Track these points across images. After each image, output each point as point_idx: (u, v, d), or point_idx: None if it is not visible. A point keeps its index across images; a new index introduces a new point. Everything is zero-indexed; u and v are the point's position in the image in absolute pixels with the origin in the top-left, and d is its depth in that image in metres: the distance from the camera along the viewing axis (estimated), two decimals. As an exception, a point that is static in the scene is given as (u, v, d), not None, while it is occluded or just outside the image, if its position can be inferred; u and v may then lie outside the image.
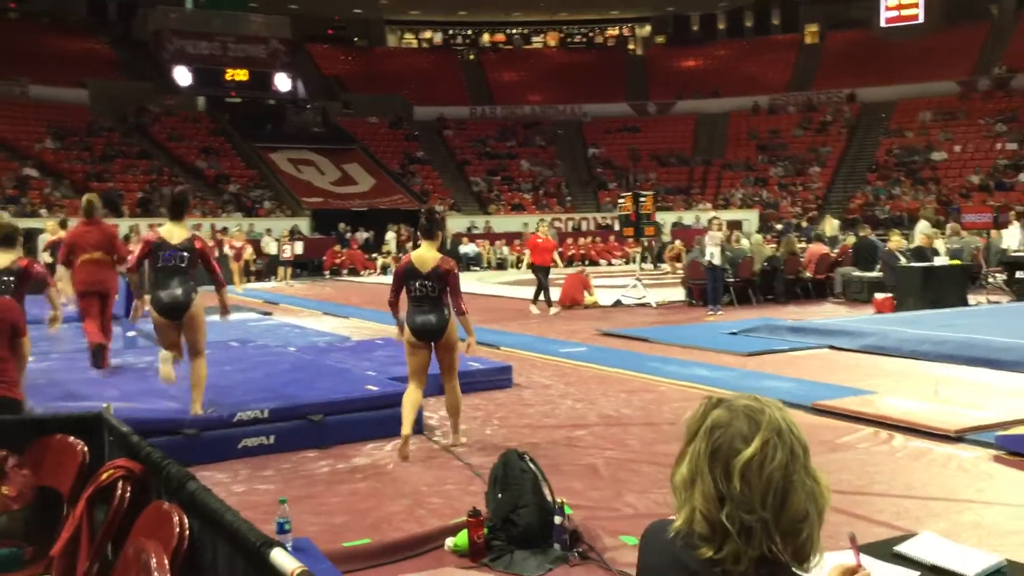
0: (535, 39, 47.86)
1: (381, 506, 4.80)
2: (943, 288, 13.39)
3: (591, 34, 47.90)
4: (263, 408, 5.86)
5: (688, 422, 1.60)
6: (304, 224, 30.43)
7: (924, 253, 14.71)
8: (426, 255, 5.97)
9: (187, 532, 2.21)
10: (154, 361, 8.17)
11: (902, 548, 2.31)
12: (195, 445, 5.50)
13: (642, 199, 15.39)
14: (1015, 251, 16.81)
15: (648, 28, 46.69)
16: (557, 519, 4.17)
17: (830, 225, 20.93)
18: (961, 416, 6.12)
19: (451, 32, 47.47)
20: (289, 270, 24.92)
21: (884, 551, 2.30)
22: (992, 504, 4.56)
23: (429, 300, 5.96)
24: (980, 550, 2.42)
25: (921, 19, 39.24)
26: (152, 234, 6.38)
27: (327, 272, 26.82)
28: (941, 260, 14.41)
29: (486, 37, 47.48)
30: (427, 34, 47.53)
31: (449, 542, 4.25)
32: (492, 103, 41.92)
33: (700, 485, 1.52)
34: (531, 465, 4.43)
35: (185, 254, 6.12)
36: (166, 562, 1.99)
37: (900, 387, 7.60)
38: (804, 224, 29.53)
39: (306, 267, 27.04)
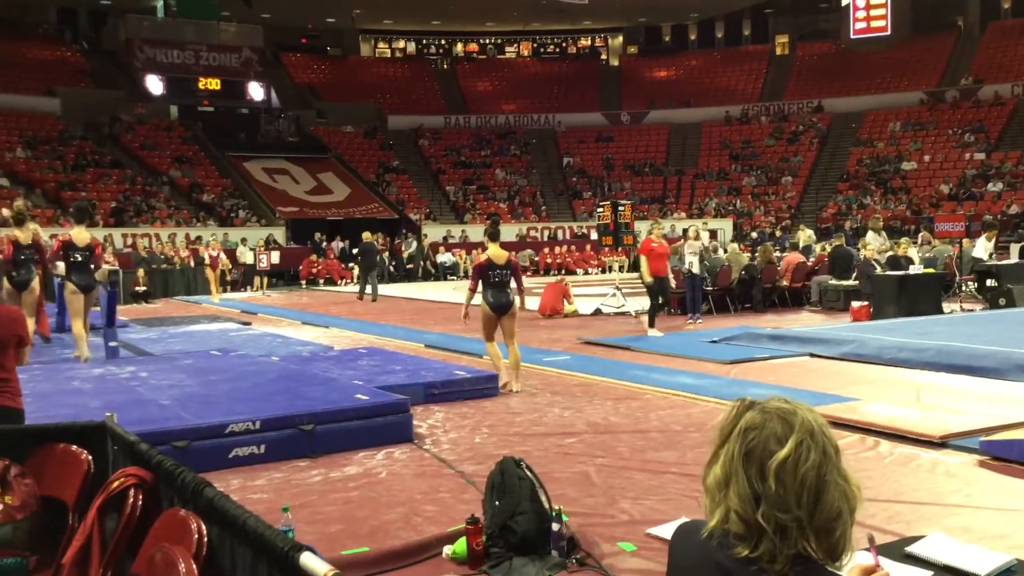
0: (508, 49, 48.03)
1: (376, 514, 4.80)
2: (918, 296, 13.59)
3: (564, 44, 48.15)
4: (254, 419, 5.83)
5: (720, 424, 1.63)
6: (279, 233, 30.28)
7: (899, 262, 14.91)
8: (499, 252, 8.41)
9: (206, 539, 2.20)
10: (138, 371, 8.12)
11: (914, 549, 2.36)
12: (185, 455, 5.45)
13: (620, 208, 15.49)
14: (986, 260, 17.10)
15: (620, 38, 47.03)
16: (555, 526, 4.19)
17: (804, 235, 21.17)
18: (945, 422, 6.22)
19: (424, 41, 47.52)
20: (265, 279, 24.78)
21: (896, 552, 2.34)
22: (980, 508, 4.64)
23: (503, 284, 8.32)
24: (990, 551, 2.48)
25: (889, 31, 39.84)
26: (65, 236, 9.31)
27: (303, 282, 26.69)
28: (916, 269, 14.62)
29: (459, 46, 47.59)
30: (401, 43, 47.54)
31: (447, 550, 4.25)
32: (466, 112, 42.00)
33: (735, 486, 1.55)
34: (528, 472, 4.45)
35: (88, 253, 9.14)
36: (195, 568, 1.99)
37: (882, 394, 7.70)
38: (778, 233, 29.81)
39: (282, 276, 26.90)
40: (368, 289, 20.08)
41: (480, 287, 8.35)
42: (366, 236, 21.05)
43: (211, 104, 37.10)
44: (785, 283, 16.12)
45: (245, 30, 37.58)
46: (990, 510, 4.60)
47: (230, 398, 6.63)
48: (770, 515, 1.50)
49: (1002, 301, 14.44)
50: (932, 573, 2.27)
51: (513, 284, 8.29)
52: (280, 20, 39.54)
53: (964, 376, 8.29)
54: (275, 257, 26.02)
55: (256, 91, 37.17)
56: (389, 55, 47.29)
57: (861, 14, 40.67)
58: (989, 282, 15.37)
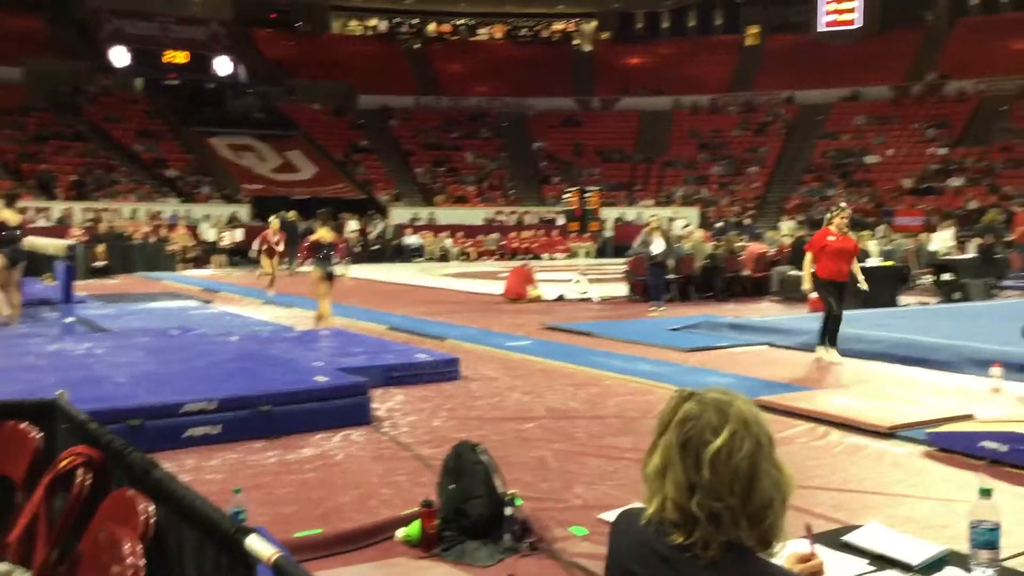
0: (481, 31, 47.82)
1: (331, 497, 4.81)
2: (875, 288, 13.79)
3: (537, 28, 48.03)
4: (211, 399, 5.80)
5: (660, 414, 1.67)
6: (243, 211, 29.99)
7: (859, 254, 15.11)
8: (326, 234, 11.14)
9: (153, 519, 2.21)
10: (94, 347, 8.04)
11: (850, 538, 2.42)
12: (138, 435, 5.42)
13: (588, 194, 15.53)
14: (943, 254, 17.41)
15: (594, 24, 47.00)
16: (508, 510, 4.23)
17: (786, 226, 21.18)
18: (894, 413, 6.34)
19: (396, 20, 47.14)
20: (226, 257, 24.58)
21: (833, 540, 2.41)
22: (924, 499, 4.75)
23: (328, 258, 11.00)
24: (923, 540, 2.55)
25: (858, 24, 40.22)
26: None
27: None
28: (874, 261, 14.84)
29: (432, 27, 47.28)
30: (372, 22, 47.13)
31: (401, 533, 4.28)
32: (437, 94, 41.80)
33: (672, 474, 1.59)
34: (483, 457, 4.48)
35: (18, 232, 10.39)
36: (139, 548, 1.99)
37: (835, 384, 7.84)
38: (747, 222, 30.11)
39: (245, 255, 26.66)
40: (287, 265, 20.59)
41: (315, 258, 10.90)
42: (291, 215, 22.52)
43: (177, 77, 36.57)
44: (747, 272, 16.29)
45: (214, 3, 37.08)
46: (933, 500, 4.71)
47: (186, 377, 6.58)
48: (704, 503, 1.54)
49: (957, 295, 14.73)
50: (867, 562, 2.33)
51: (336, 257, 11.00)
52: (249, -6, 39.05)
53: (917, 368, 8.46)
54: (238, 235, 25.80)
55: (223, 65, 36.68)
56: (360, 33, 46.87)
57: (831, 7, 41.04)
58: (945, 276, 15.65)
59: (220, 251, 24.89)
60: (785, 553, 1.76)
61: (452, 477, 4.43)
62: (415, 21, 47.10)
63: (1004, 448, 5.14)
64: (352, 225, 29.67)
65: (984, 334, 9.38)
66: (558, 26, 48.06)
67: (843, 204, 9.77)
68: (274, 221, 16.49)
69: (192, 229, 26.54)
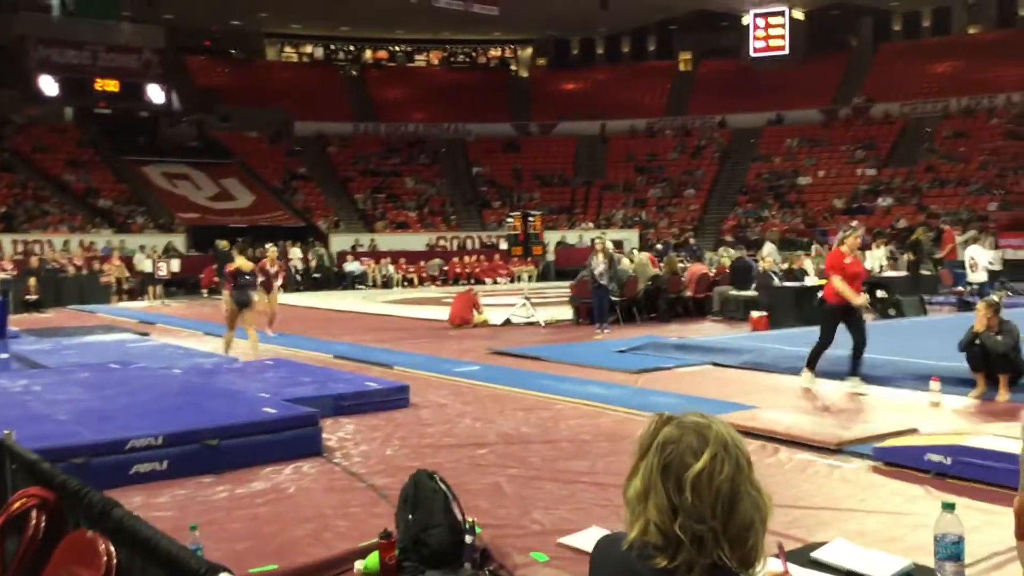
0: (418, 57, 47.93)
1: (285, 531, 4.71)
2: (814, 307, 14.09)
3: (474, 54, 48.33)
4: (156, 434, 5.66)
5: (640, 438, 1.69)
6: (180, 241, 29.44)
7: (795, 274, 15.47)
8: (245, 263, 11.40)
9: (114, 561, 2.14)
10: (31, 384, 7.78)
11: (819, 555, 2.46)
12: (83, 472, 5.25)
13: (531, 218, 15.63)
14: (877, 272, 17.89)
15: (529, 50, 47.49)
16: (468, 538, 4.20)
17: (727, 253, 21.40)
18: (840, 429, 6.47)
19: (333, 47, 46.99)
20: (161, 288, 24.08)
21: (802, 558, 2.44)
22: (873, 512, 4.84)
23: (247, 286, 11.31)
24: (889, 555, 2.60)
25: (787, 50, 41.34)
26: None
27: (204, 291, 26.00)
28: (811, 280, 15.18)
29: (368, 53, 47.24)
30: (308, 48, 46.90)
31: (359, 565, 4.21)
32: (376, 120, 41.72)
33: (654, 498, 1.60)
34: (441, 485, 4.45)
35: None
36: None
37: (780, 401, 7.98)
38: (691, 241, 30.60)
39: (182, 285, 26.15)
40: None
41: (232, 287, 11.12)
42: (222, 244, 21.76)
43: (108, 106, 35.83)
44: (689, 293, 16.52)
45: (146, 31, 36.45)
46: (883, 514, 4.80)
47: (130, 413, 6.41)
48: (687, 526, 1.55)
49: (892, 312, 15.12)
50: (835, 578, 2.38)
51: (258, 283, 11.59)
52: (183, 21, 38.51)
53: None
54: (175, 265, 25.31)
55: (156, 94, 36.09)
56: (296, 60, 46.60)
57: (760, 33, 42.12)
58: (880, 293, 16.07)
59: (156, 282, 24.36)
60: (761, 573, 1.78)
61: (410, 506, 4.38)
62: (351, 48, 47.01)
63: (948, 461, 5.27)
64: (296, 252, 29.43)
65: (921, 349, 9.65)
66: (495, 52, 48.44)
67: (854, 224, 9.16)
68: (272, 250, 14.99)
69: (127, 260, 25.96)
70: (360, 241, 32.25)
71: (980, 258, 16.12)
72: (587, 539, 4.23)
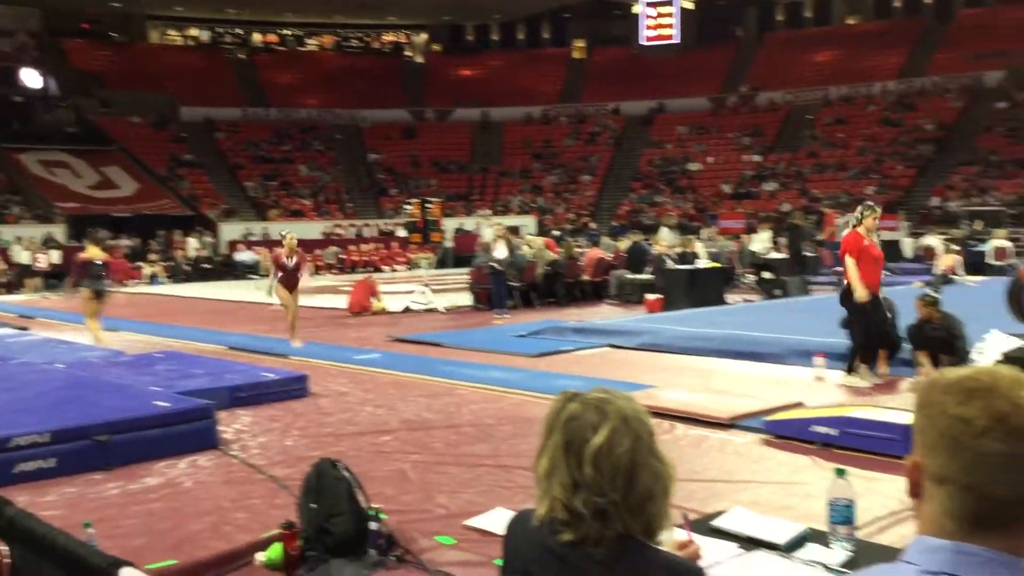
0: (310, 41, 46.98)
1: (182, 525, 4.59)
2: (705, 289, 14.56)
3: (368, 39, 47.67)
4: (43, 430, 5.42)
5: (546, 417, 1.71)
6: (59, 232, 28.13)
7: (688, 257, 15.88)
8: (98, 252, 11.15)
9: (8, 560, 2.05)
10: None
11: (719, 523, 2.56)
12: (-39, 474, 5.00)
13: (429, 206, 15.55)
14: (763, 254, 18.54)
15: (425, 36, 47.15)
16: (372, 525, 4.18)
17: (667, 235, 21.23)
18: (732, 405, 6.71)
19: (219, 30, 45.58)
20: (41, 281, 23.00)
21: (703, 527, 2.53)
22: (765, 483, 5.04)
23: (101, 276, 11.07)
24: (784, 520, 2.72)
25: (677, 39, 42.27)
26: None
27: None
28: (703, 263, 15.62)
29: (257, 37, 46.01)
30: (193, 31, 45.36)
31: (260, 556, 4.14)
32: (266, 105, 40.73)
33: (559, 475, 1.63)
34: (345, 473, 4.41)
35: None
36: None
37: (676, 381, 8.19)
38: (593, 225, 31.09)
39: (63, 277, 25.01)
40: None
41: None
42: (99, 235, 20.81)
43: (-21, 91, 33.93)
44: (587, 278, 16.77)
45: (20, 13, 34.63)
46: (775, 484, 5.01)
47: (13, 409, 6.11)
48: (588, 500, 1.58)
49: (778, 292, 15.72)
50: (737, 545, 2.47)
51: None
52: (60, 3, 36.72)
53: (748, 362, 8.97)
54: (55, 257, 24.21)
55: (31, 78, 34.34)
56: (181, 43, 45.01)
57: (651, 22, 42.92)
58: (766, 275, 16.68)
59: (35, 274, 23.24)
60: (667, 542, 1.84)
61: (313, 496, 4.33)
62: (239, 31, 45.70)
63: (834, 432, 5.53)
64: (193, 243, 28.53)
65: (806, 327, 10.07)
66: (389, 37, 47.89)
67: (871, 203, 8.00)
68: (290, 237, 11.71)
69: (3, 252, 24.68)
70: (252, 230, 31.47)
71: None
72: (492, 520, 4.27)
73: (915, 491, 1.17)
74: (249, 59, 43.97)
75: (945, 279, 16.33)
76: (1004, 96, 33.95)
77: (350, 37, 47.28)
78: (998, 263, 19.18)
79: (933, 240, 21.43)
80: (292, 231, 12.61)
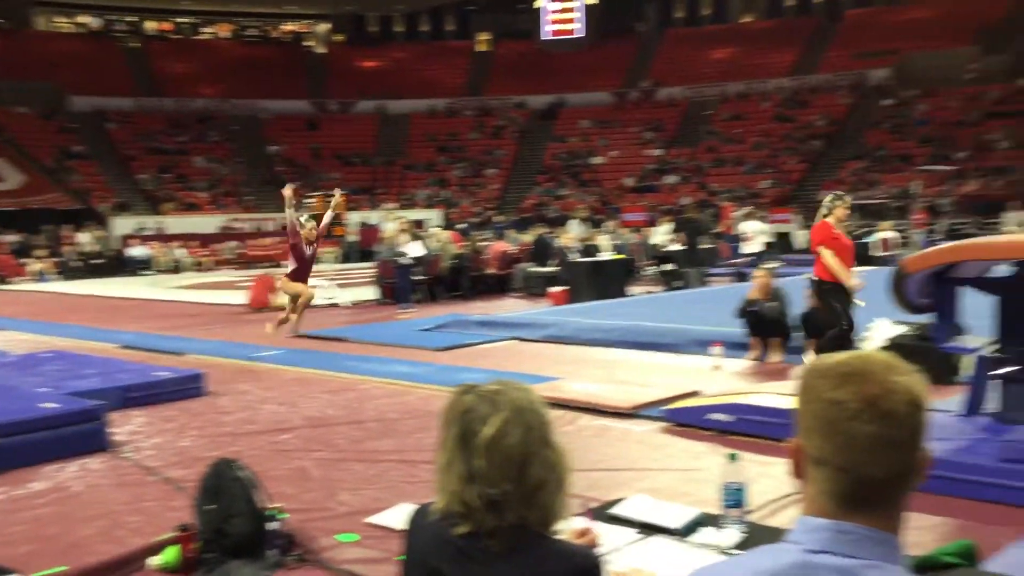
0: (206, 30, 45.66)
1: (72, 531, 4.41)
2: (608, 280, 14.77)
3: (267, 28, 46.62)
4: (-84, 436, 5.12)
5: (443, 411, 1.71)
6: (-63, 226, 26.67)
7: (591, 249, 16.09)
8: None
9: None
10: None
11: (618, 510, 2.60)
12: None
13: (332, 199, 15.32)
14: (664, 247, 18.93)
15: (326, 26, 46.40)
16: (272, 525, 4.10)
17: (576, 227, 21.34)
18: (634, 394, 6.82)
19: (110, 18, 43.87)
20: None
21: (603, 514, 2.57)
22: (666, 470, 5.15)
23: None
24: (680, 506, 2.78)
25: (579, 34, 42.74)
26: None
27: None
28: (606, 255, 15.85)
29: (151, 25, 44.47)
30: (82, 18, 43.53)
31: (156, 560, 4.01)
32: (160, 95, 39.41)
33: (455, 467, 1.63)
34: (241, 473, 4.31)
35: None
36: None
37: (581, 372, 8.29)
38: (503, 219, 31.13)
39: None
40: None
41: None
42: None
43: None
44: (492, 271, 16.80)
45: None
46: (674, 471, 5.12)
47: None
48: (483, 492, 1.59)
49: (678, 283, 16.07)
50: (636, 530, 2.51)
51: None
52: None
53: (650, 352, 9.15)
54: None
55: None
56: (70, 30, 43.14)
57: (554, 16, 43.28)
58: (667, 267, 17.03)
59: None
60: (566, 531, 1.85)
61: (210, 496, 4.21)
62: (131, 19, 44.07)
63: (731, 418, 5.69)
64: (85, 237, 27.39)
65: (704, 317, 10.33)
66: (289, 27, 46.95)
67: (840, 192, 7.74)
68: (309, 225, 10.55)
69: None
70: (145, 224, 30.43)
71: (753, 231, 17.40)
72: (395, 517, 4.23)
73: (798, 473, 1.21)
74: (142, 47, 42.45)
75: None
76: (890, 93, 35.49)
77: (248, 26, 46.14)
78: (883, 254, 20.04)
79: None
80: (309, 217, 10.99)
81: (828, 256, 7.19)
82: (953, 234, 20.16)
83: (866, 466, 1.12)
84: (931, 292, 5.40)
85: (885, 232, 21.32)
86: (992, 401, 5.14)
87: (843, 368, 1.15)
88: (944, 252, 5.36)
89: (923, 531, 3.87)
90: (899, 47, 35.42)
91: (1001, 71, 33.07)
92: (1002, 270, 5.52)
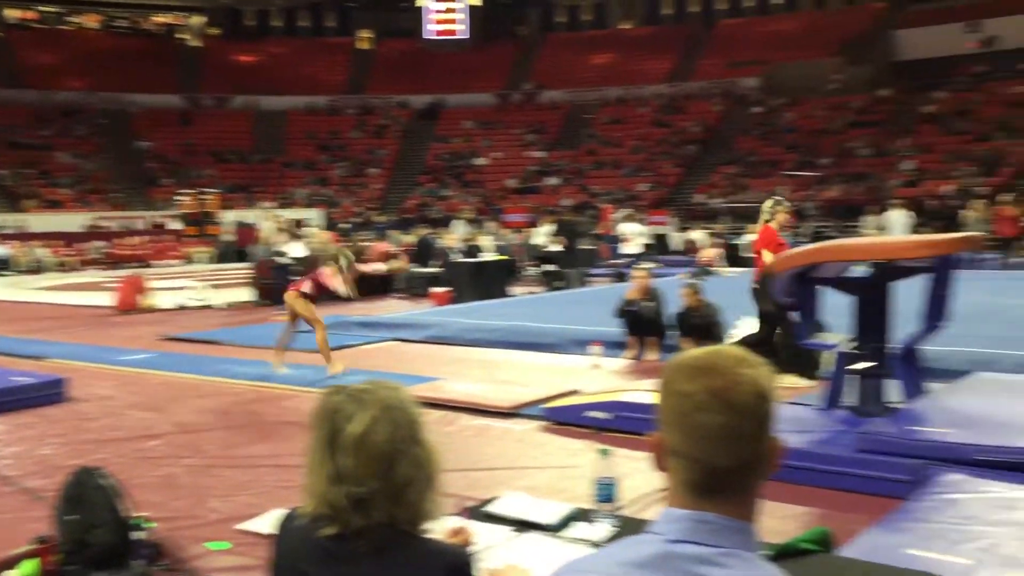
0: (72, 19, 43.52)
1: (-84, 548, 4.12)
2: (491, 281, 14.85)
3: (137, 19, 44.80)
4: None
5: (313, 412, 1.68)
6: None
7: (474, 250, 16.15)
8: None
9: None
10: None
11: (492, 508, 2.61)
12: None
13: (206, 197, 14.86)
14: (545, 248, 19.18)
15: (201, 18, 44.93)
16: (137, 535, 3.94)
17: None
18: (514, 394, 6.88)
19: (-34, 4, 41.31)
20: None
21: (478, 513, 2.58)
22: (544, 468, 5.22)
23: None
24: (556, 502, 2.82)
25: (462, 35, 42.83)
26: None
27: None
28: (488, 256, 15.93)
29: (13, 13, 42.07)
30: (-66, 3, 40.84)
31: (12, 574, 3.80)
32: (22, 87, 37.31)
33: (322, 468, 1.61)
34: (104, 481, 4.13)
35: None
36: None
37: (462, 372, 8.30)
38: (383, 219, 30.84)
39: None
40: None
41: None
42: None
43: None
44: (376, 271, 16.62)
45: None
46: (552, 468, 5.19)
47: None
48: (350, 492, 1.57)
49: (559, 284, 16.31)
50: (511, 528, 2.54)
51: None
52: None
53: (530, 352, 9.24)
54: None
55: None
56: (-83, 14, 40.39)
57: (437, 16, 43.22)
58: (548, 267, 17.26)
59: None
60: (439, 530, 1.85)
61: (71, 506, 4.02)
62: (-10, 5, 41.61)
63: (608, 416, 5.80)
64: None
65: (584, 317, 10.50)
66: (160, 18, 45.24)
67: (779, 197, 7.75)
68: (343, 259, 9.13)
69: None
70: (4, 222, 28.75)
71: (632, 233, 17.84)
72: (267, 523, 4.14)
73: (661, 465, 1.24)
74: (4, 37, 40.10)
75: (706, 270, 17.53)
76: (759, 101, 36.97)
77: (117, 16, 44.23)
78: (752, 255, 20.82)
79: (697, 234, 22.99)
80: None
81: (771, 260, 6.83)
82: (817, 236, 21.15)
83: (716, 456, 1.16)
84: (795, 291, 5.65)
85: (754, 235, 22.14)
86: (850, 395, 5.41)
87: (695, 363, 1.20)
88: (807, 254, 5.62)
89: (784, 520, 4.05)
90: (768, 57, 36.93)
91: (863, 82, 34.93)
92: (859, 271, 5.83)
